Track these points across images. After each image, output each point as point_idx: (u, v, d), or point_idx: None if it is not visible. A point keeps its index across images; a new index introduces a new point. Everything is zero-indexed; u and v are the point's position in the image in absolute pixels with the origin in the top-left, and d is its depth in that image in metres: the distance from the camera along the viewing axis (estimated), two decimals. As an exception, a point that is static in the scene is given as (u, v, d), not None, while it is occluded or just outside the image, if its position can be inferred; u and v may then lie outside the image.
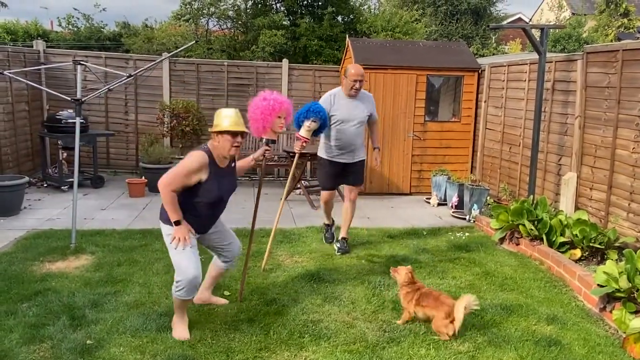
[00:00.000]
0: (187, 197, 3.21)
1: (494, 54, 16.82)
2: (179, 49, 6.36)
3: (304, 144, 4.68)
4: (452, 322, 3.32)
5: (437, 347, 3.27)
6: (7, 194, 5.98)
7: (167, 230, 3.29)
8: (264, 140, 3.78)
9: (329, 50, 11.30)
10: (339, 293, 4.04)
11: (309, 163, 8.56)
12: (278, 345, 3.22)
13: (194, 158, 3.17)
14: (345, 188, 5.21)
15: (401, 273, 3.65)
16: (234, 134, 3.20)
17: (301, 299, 3.92)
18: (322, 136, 5.04)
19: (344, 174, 5.08)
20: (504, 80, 7.19)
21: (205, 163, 3.18)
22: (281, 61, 9.09)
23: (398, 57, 7.66)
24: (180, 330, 3.30)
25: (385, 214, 6.75)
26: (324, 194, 5.21)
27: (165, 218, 3.28)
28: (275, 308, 3.73)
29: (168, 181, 3.12)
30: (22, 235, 5.22)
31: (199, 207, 3.27)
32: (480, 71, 7.77)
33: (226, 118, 3.22)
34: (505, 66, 7.18)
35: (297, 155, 4.75)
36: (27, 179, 6.35)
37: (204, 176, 3.19)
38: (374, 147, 5.24)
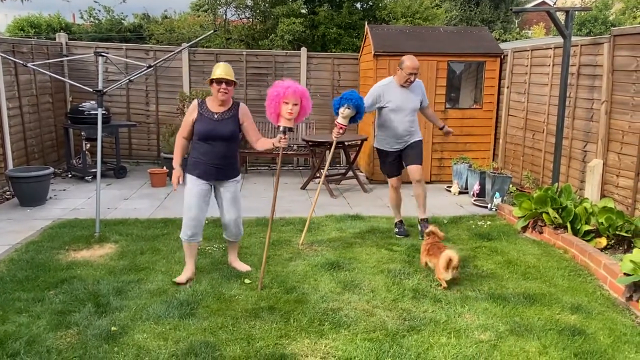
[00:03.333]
0: (193, 140, 3.94)
1: (516, 39, 16.45)
2: (197, 39, 6.38)
3: (341, 130, 4.78)
4: (449, 270, 3.87)
5: (458, 336, 3.24)
6: (34, 185, 6.12)
7: (186, 179, 3.97)
8: (280, 128, 3.88)
9: (348, 38, 11.20)
10: (359, 281, 4.04)
11: (327, 152, 8.53)
12: (298, 333, 3.24)
13: (190, 106, 3.97)
14: (409, 170, 5.15)
15: (428, 227, 4.42)
16: (217, 81, 3.77)
17: (321, 287, 3.93)
18: (376, 127, 5.19)
19: (404, 157, 5.18)
20: (527, 66, 7.03)
21: (194, 105, 3.91)
22: (300, 50, 9.05)
23: (418, 43, 7.55)
24: (182, 275, 3.98)
25: (406, 202, 6.69)
26: (392, 180, 5.25)
27: (186, 167, 3.95)
28: (295, 296, 3.75)
29: (180, 130, 4.00)
30: (48, 225, 5.35)
31: (195, 144, 3.92)
32: (502, 56, 7.61)
33: (215, 70, 3.80)
34: (528, 51, 7.01)
35: (334, 142, 4.94)
36: (52, 169, 6.49)
37: (194, 115, 3.89)
38: (440, 127, 5.50)
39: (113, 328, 3.22)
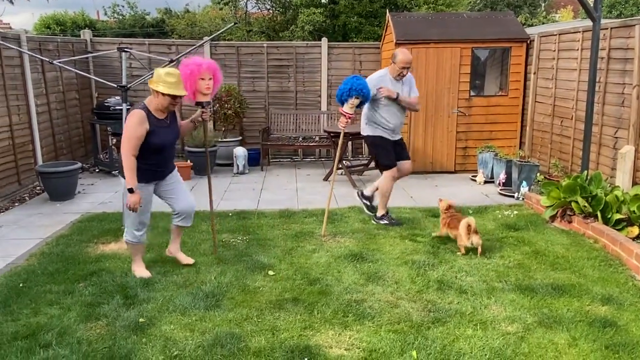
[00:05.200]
0: (142, 149, 3.67)
1: (543, 23, 16.01)
2: (219, 32, 6.39)
3: (348, 120, 4.77)
4: (468, 238, 4.28)
5: (484, 328, 3.20)
6: (63, 180, 6.27)
7: (125, 183, 3.75)
8: (202, 104, 3.94)
9: (369, 27, 11.09)
10: (383, 273, 4.02)
11: (350, 143, 8.49)
12: (322, 324, 3.25)
13: (133, 116, 3.60)
14: (404, 165, 5.24)
15: (444, 203, 4.73)
16: (173, 96, 3.62)
17: (344, 278, 3.92)
18: (369, 117, 5.10)
19: (398, 150, 5.20)
20: (554, 50, 6.83)
21: (142, 117, 3.61)
22: (320, 40, 9.00)
23: (441, 30, 7.41)
24: (141, 270, 3.97)
25: (429, 192, 6.63)
26: (393, 171, 5.15)
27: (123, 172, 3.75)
28: (319, 288, 3.75)
29: (126, 148, 3.58)
30: (77, 219, 5.47)
31: (147, 154, 3.67)
32: (529, 41, 7.41)
33: (169, 81, 3.56)
34: (556, 35, 6.81)
35: (342, 133, 4.89)
36: (80, 164, 6.63)
37: (146, 127, 3.62)
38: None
39: (141, 319, 3.28)
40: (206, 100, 3.94)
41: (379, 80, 4.98)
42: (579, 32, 6.27)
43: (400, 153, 5.22)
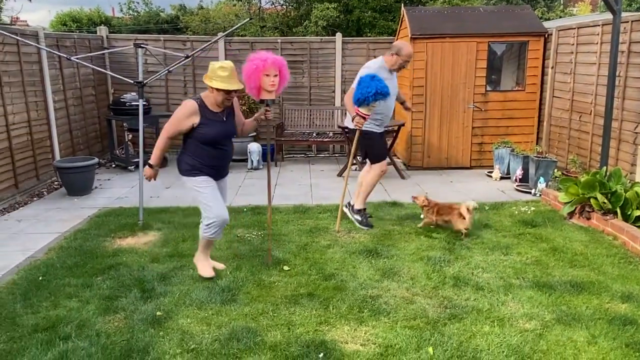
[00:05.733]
0: (192, 142, 3.62)
1: (560, 17, 15.76)
2: (233, 28, 6.41)
3: (365, 121, 4.60)
4: (463, 219, 4.55)
5: (501, 325, 3.17)
6: (80, 175, 6.35)
7: (189, 182, 3.70)
8: (265, 101, 3.77)
9: (383, 21, 11.02)
10: (398, 269, 4.00)
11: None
12: (338, 320, 3.24)
13: (184, 107, 3.55)
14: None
15: (420, 198, 4.91)
16: (227, 91, 3.48)
17: (359, 274, 3.91)
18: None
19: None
20: (573, 44, 6.71)
21: (194, 110, 3.52)
22: (334, 35, 8.96)
23: (457, 24, 7.33)
24: (205, 268, 3.83)
25: (445, 188, 6.58)
26: (383, 164, 5.02)
27: (184, 169, 3.69)
28: (334, 283, 3.75)
29: (165, 129, 3.60)
30: (94, 213, 5.54)
31: (201, 149, 3.61)
32: (546, 35, 7.30)
33: (222, 76, 3.44)
34: (574, 29, 6.69)
35: (358, 131, 4.69)
36: (96, 160, 6.71)
37: (196, 120, 3.53)
38: (402, 101, 5.42)
39: (158, 313, 3.31)
40: (270, 98, 3.74)
41: (377, 70, 4.75)
42: (599, 25, 6.16)
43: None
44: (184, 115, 3.54)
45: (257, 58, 3.62)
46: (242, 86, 3.53)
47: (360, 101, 4.49)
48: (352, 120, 4.67)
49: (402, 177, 7.12)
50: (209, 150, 3.64)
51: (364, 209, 5.12)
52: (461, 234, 4.63)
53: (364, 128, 5.03)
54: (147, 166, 3.72)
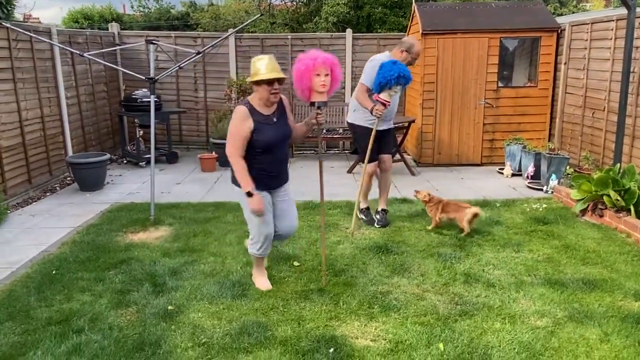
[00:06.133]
0: (248, 152, 3.34)
1: (573, 12, 15.57)
2: (244, 24, 6.41)
3: (384, 108, 4.42)
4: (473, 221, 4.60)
5: (512, 322, 3.15)
6: (92, 170, 6.41)
7: (240, 196, 3.42)
8: (315, 104, 3.45)
9: (394, 17, 10.98)
10: (408, 265, 3.99)
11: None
12: (348, 315, 3.25)
13: (235, 113, 3.33)
14: (382, 158, 4.98)
15: (422, 193, 4.86)
16: (268, 82, 3.22)
17: (369, 270, 3.91)
18: (356, 105, 4.84)
19: (380, 143, 4.86)
20: (586, 40, 6.63)
21: (245, 113, 3.29)
22: (344, 32, 8.94)
23: (468, 20, 7.28)
24: (262, 281, 3.65)
25: (455, 185, 6.55)
26: (371, 166, 4.86)
27: (235, 180, 3.43)
28: (344, 279, 3.76)
29: (231, 148, 3.30)
30: (106, 209, 5.59)
31: (256, 155, 3.35)
32: (559, 31, 7.22)
33: (260, 67, 3.22)
34: (588, 24, 6.61)
35: (376, 120, 4.49)
36: (108, 156, 6.76)
37: (250, 124, 3.29)
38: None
39: (170, 307, 3.34)
40: (321, 100, 3.42)
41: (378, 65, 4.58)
42: (613, 20, 6.08)
43: (385, 146, 4.94)
44: (239, 121, 3.28)
45: (306, 57, 3.35)
46: (283, 75, 3.25)
47: (381, 85, 4.31)
48: (372, 112, 4.46)
49: (413, 174, 7.09)
50: (264, 157, 3.36)
51: (367, 208, 5.12)
52: (462, 232, 4.64)
53: (350, 120, 4.99)
54: (248, 197, 3.29)
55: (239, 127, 3.28)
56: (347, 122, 5.13)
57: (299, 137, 3.65)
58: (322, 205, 3.75)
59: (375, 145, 4.69)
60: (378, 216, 5.02)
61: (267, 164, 3.40)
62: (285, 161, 3.57)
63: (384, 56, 4.79)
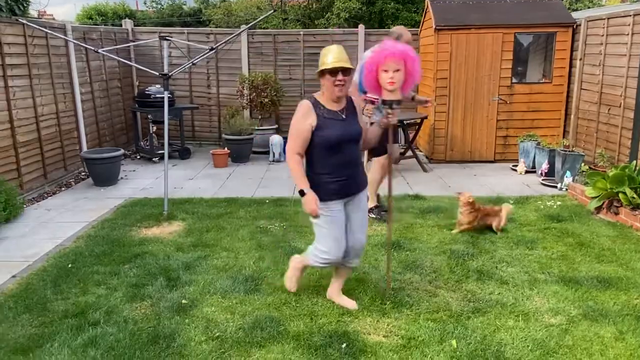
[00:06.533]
0: (312, 152, 3.05)
1: (588, 7, 15.34)
2: (257, 20, 6.42)
3: (374, 106, 4.51)
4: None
5: (526, 319, 3.14)
6: (107, 166, 6.48)
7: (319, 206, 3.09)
8: (386, 102, 3.13)
9: (406, 13, 10.92)
10: (421, 262, 3.99)
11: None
12: (360, 311, 3.25)
13: (298, 110, 3.05)
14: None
15: (466, 195, 4.57)
16: (331, 71, 2.94)
17: (382, 266, 3.91)
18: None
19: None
20: (602, 35, 6.54)
21: (307, 107, 3.02)
22: (357, 27, 8.91)
23: (482, 15, 7.21)
24: (292, 283, 3.44)
25: (468, 182, 6.51)
26: (382, 159, 4.87)
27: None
28: (356, 275, 3.76)
29: (290, 145, 3.03)
30: (120, 203, 5.65)
31: (323, 158, 3.04)
32: (575, 26, 7.12)
33: (326, 56, 2.96)
34: (604, 19, 6.51)
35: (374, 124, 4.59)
36: (122, 151, 6.83)
37: (313, 120, 2.99)
38: (412, 97, 5.54)
39: (183, 301, 3.37)
40: (392, 99, 3.08)
41: None
42: (630, 15, 5.98)
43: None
44: (300, 116, 3.01)
45: (376, 50, 3.07)
46: (348, 65, 2.94)
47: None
48: (362, 112, 4.53)
49: (425, 170, 7.06)
50: (333, 158, 3.03)
51: (376, 206, 5.11)
52: (497, 230, 4.57)
53: None
54: (302, 197, 2.99)
55: (300, 123, 3.00)
56: None
57: (372, 140, 3.25)
58: (391, 209, 3.47)
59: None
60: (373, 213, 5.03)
61: (335, 166, 3.04)
62: (356, 165, 3.16)
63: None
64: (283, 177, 6.90)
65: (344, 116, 3.06)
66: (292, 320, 3.14)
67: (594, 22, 6.76)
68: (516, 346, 2.86)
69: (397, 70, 3.04)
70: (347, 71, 2.95)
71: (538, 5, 7.45)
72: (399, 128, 5.04)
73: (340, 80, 2.94)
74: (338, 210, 3.08)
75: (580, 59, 7.05)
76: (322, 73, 2.97)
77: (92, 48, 6.22)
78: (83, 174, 7.00)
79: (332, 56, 2.95)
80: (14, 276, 3.84)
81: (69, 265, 3.96)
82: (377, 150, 4.80)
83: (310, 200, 2.97)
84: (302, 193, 2.98)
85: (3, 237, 4.68)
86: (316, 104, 3.04)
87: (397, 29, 4.85)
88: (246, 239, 4.50)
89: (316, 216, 3.01)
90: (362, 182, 3.22)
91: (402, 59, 3.04)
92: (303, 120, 3.00)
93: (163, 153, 5.61)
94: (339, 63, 2.92)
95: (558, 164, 6.19)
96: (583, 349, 2.83)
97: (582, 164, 6.18)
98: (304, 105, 3.04)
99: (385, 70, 3.05)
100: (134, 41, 8.59)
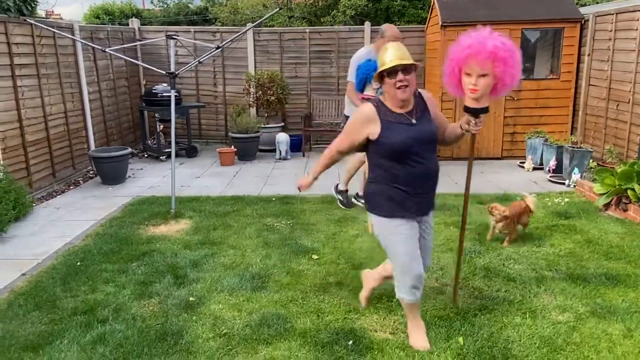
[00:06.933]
0: (376, 160, 2.73)
1: (597, 2, 15.21)
2: (263, 18, 6.43)
3: None
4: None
5: (533, 316, 3.13)
6: (115, 164, 6.52)
7: (375, 224, 2.84)
8: (469, 110, 2.64)
9: (413, 9, 10.87)
10: (428, 259, 3.98)
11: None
12: (367, 308, 3.26)
13: (357, 111, 2.78)
14: None
15: (500, 208, 4.20)
16: (389, 72, 2.59)
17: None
18: (349, 99, 5.09)
19: None
20: (611, 31, 6.48)
21: (368, 112, 2.68)
22: (362, 25, 8.89)
23: (489, 11, 7.17)
24: (417, 338, 2.87)
25: (475, 179, 6.41)
26: (361, 156, 4.91)
27: (370, 201, 2.82)
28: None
29: (336, 140, 2.82)
30: (128, 202, 5.69)
31: (388, 168, 2.68)
32: (583, 22, 7.07)
33: (382, 57, 2.62)
34: (613, 14, 6.46)
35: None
36: (130, 150, 6.87)
37: (375, 127, 2.65)
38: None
39: (191, 298, 3.39)
40: (476, 107, 2.56)
41: (367, 58, 4.84)
42: (639, 11, 5.92)
43: None
44: (359, 123, 2.71)
45: (461, 44, 2.56)
46: (407, 61, 2.56)
47: (363, 82, 4.56)
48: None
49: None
50: (399, 168, 2.64)
51: (346, 191, 5.38)
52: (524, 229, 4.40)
53: (347, 114, 5.17)
54: (305, 176, 2.95)
55: (356, 126, 2.71)
56: (344, 115, 5.35)
57: (453, 140, 2.84)
58: (467, 214, 3.22)
59: None
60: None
61: (402, 178, 2.65)
62: (430, 177, 2.73)
63: (364, 50, 5.06)
64: (289, 174, 6.91)
65: (414, 120, 2.66)
66: (298, 318, 3.15)
67: (603, 17, 6.71)
68: (523, 343, 2.85)
69: (483, 75, 2.48)
70: (408, 69, 2.58)
71: (545, 0, 7.39)
72: None
73: (401, 81, 2.58)
74: (409, 228, 2.72)
75: (589, 55, 6.99)
76: (381, 76, 2.64)
77: (100, 47, 6.26)
78: (91, 172, 7.05)
79: (388, 55, 2.59)
80: (23, 274, 3.88)
81: (78, 263, 3.99)
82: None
83: (305, 183, 2.95)
84: (313, 177, 2.94)
85: (13, 236, 4.73)
86: (380, 107, 2.69)
87: (384, 26, 4.95)
88: (253, 236, 4.51)
89: (303, 187, 2.96)
90: (433, 199, 2.84)
91: (490, 60, 2.48)
92: (360, 128, 2.70)
93: (170, 151, 5.63)
94: (397, 61, 2.55)
95: (566, 161, 6.15)
96: (591, 346, 2.82)
97: (590, 161, 6.14)
98: (366, 112, 2.70)
99: (468, 74, 2.52)
100: (140, 40, 8.63)
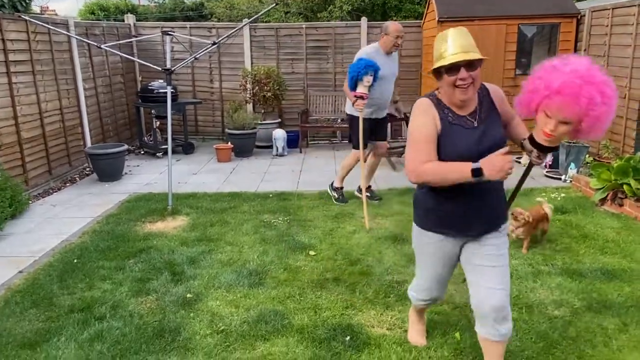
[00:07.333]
0: None
1: (594, -2, 15.22)
2: (259, 14, 6.41)
3: (365, 101, 4.66)
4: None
5: (530, 311, 3.14)
6: (111, 161, 6.50)
7: (414, 236, 2.50)
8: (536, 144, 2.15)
9: (409, 5, 10.86)
10: (424, 254, 3.99)
11: (389, 125, 8.39)
12: (364, 304, 3.27)
13: (415, 108, 2.23)
14: (379, 145, 5.33)
15: (524, 214, 4.01)
16: (448, 69, 2.09)
17: (385, 260, 3.92)
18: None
19: (374, 131, 5.16)
20: (607, 26, 6.49)
21: (426, 107, 2.19)
22: (359, 20, 8.87)
23: (486, 7, 7.16)
24: (413, 333, 2.89)
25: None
26: (358, 153, 5.00)
27: (415, 212, 2.44)
28: (360, 268, 3.77)
29: (411, 156, 2.16)
30: (124, 199, 5.67)
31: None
32: (579, 17, 7.07)
33: (441, 47, 2.12)
34: (609, 9, 6.46)
35: (361, 118, 4.76)
36: (126, 146, 6.85)
37: (437, 121, 2.17)
38: (396, 101, 5.65)
39: (188, 295, 3.40)
40: (546, 146, 2.10)
41: (371, 55, 4.81)
42: (635, 5, 5.93)
43: (377, 133, 5.21)
44: (420, 115, 2.18)
45: (548, 75, 1.97)
46: (471, 56, 2.07)
47: (354, 79, 4.61)
48: (353, 105, 4.76)
49: (394, 169, 7.04)
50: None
51: (341, 188, 5.43)
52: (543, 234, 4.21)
53: (347, 111, 5.21)
54: (474, 175, 1.97)
55: (421, 122, 2.16)
56: (345, 113, 5.38)
57: (512, 139, 2.39)
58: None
59: (370, 133, 5.05)
60: (368, 193, 5.27)
61: (459, 194, 2.19)
62: (495, 190, 2.28)
63: (373, 47, 5.04)
64: (286, 171, 6.91)
65: (475, 123, 2.18)
66: (296, 314, 3.16)
67: (599, 13, 6.71)
68: (520, 338, 2.87)
69: (566, 123, 1.96)
70: (473, 64, 2.08)
71: (542, -5, 7.39)
72: (387, 123, 5.37)
73: (463, 79, 2.07)
74: (441, 245, 2.35)
75: (585, 50, 7.00)
76: (437, 72, 2.13)
77: (95, 44, 6.23)
78: (87, 169, 7.03)
79: (450, 46, 2.08)
80: (20, 271, 3.87)
81: (75, 261, 3.99)
82: (354, 141, 5.14)
83: (492, 159, 1.99)
84: (477, 172, 1.99)
85: (9, 233, 4.72)
86: (438, 104, 2.19)
87: (387, 23, 5.00)
88: (250, 233, 4.51)
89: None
90: (499, 217, 2.32)
91: (583, 113, 1.91)
92: (424, 119, 2.16)
93: (167, 148, 5.62)
94: (461, 56, 2.05)
95: (562, 156, 6.17)
96: (586, 341, 2.84)
97: (587, 156, 6.15)
98: (421, 104, 2.21)
99: (548, 116, 1.99)
100: (136, 36, 8.59)
